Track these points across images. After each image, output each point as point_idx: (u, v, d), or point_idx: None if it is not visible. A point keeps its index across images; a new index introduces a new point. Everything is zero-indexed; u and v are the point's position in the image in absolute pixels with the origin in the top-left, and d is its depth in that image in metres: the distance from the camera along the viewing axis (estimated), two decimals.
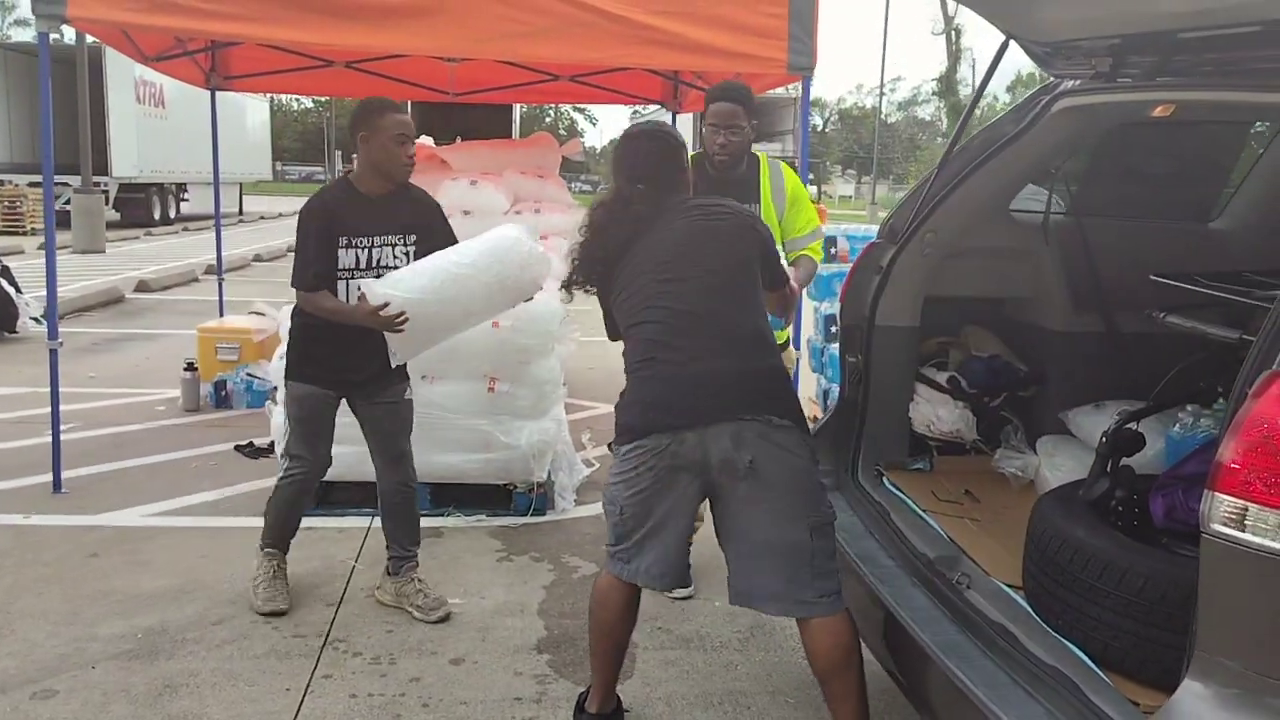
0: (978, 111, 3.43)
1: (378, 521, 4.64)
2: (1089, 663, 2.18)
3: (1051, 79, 3.16)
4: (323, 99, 60.49)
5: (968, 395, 3.39)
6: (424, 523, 4.59)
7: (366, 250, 3.59)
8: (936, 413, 3.35)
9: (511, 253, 3.57)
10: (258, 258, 17.63)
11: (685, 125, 23.96)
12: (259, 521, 4.68)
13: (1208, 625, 1.76)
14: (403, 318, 3.41)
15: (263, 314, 4.65)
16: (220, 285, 8.44)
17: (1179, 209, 3.61)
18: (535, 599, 4.00)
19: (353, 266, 3.58)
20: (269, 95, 33.58)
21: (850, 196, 55.65)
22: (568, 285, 2.99)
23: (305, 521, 4.68)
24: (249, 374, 6.82)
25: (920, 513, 2.97)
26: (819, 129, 57.56)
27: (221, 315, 8.06)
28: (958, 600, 2.56)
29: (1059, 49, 3.04)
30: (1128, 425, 2.58)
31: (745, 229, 2.86)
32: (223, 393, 6.78)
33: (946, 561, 2.73)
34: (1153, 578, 2.14)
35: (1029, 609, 2.43)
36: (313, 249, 3.54)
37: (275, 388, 5.00)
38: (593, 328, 7.23)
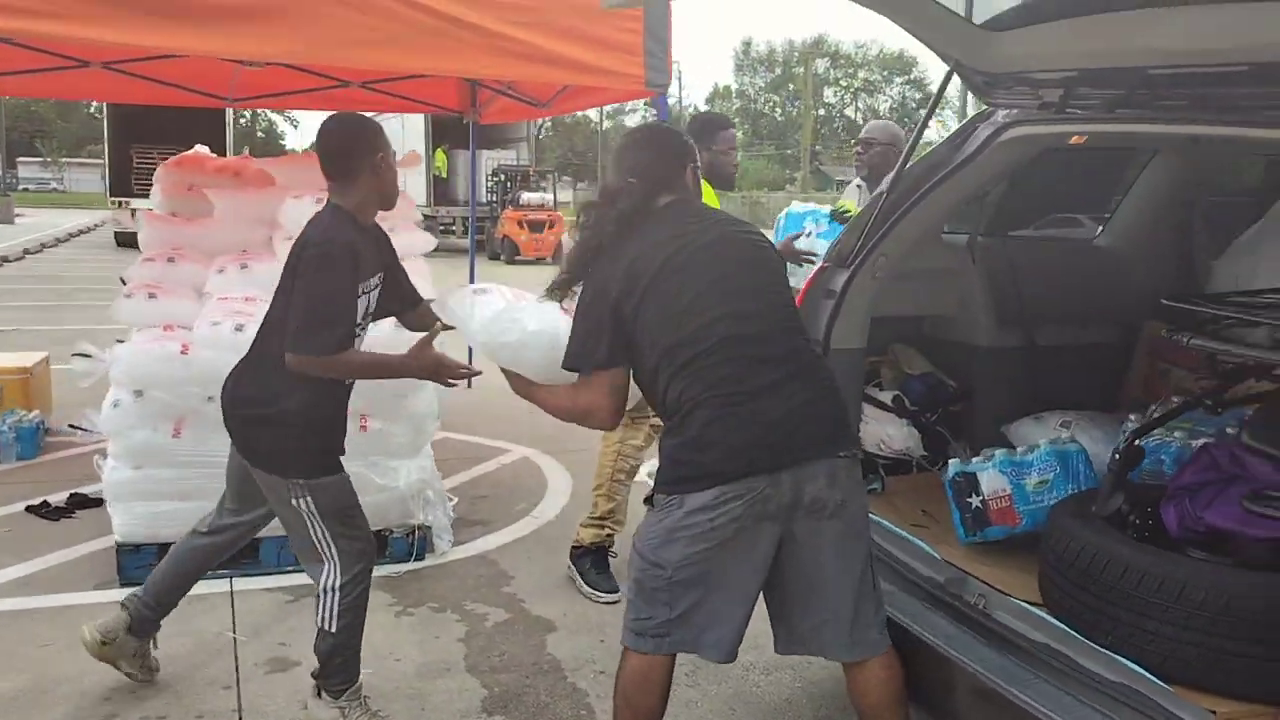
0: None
1: (238, 583, 4.20)
2: (1153, 678, 2.26)
3: (985, 107, 3.29)
4: None
5: (910, 413, 3.47)
6: (296, 581, 4.21)
7: (367, 296, 3.04)
8: (886, 431, 3.41)
9: None
10: None
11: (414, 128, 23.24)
12: (93, 597, 4.07)
13: None
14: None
15: (89, 355, 4.00)
16: None
17: (1073, 228, 3.89)
18: (457, 655, 3.71)
19: (361, 318, 3.02)
20: None
21: (569, 203, 56.50)
22: (558, 288, 2.67)
23: None
24: (73, 425, 6.00)
25: (905, 535, 3.00)
26: (535, 136, 57.94)
27: None
28: (987, 623, 2.60)
29: (1000, 79, 3.17)
30: (1136, 441, 2.71)
31: (769, 246, 2.74)
32: None
33: (956, 583, 2.77)
34: (1214, 589, 2.25)
35: (1065, 627, 2.49)
36: (344, 300, 2.89)
37: (101, 439, 4.35)
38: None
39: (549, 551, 4.68)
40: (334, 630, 3.00)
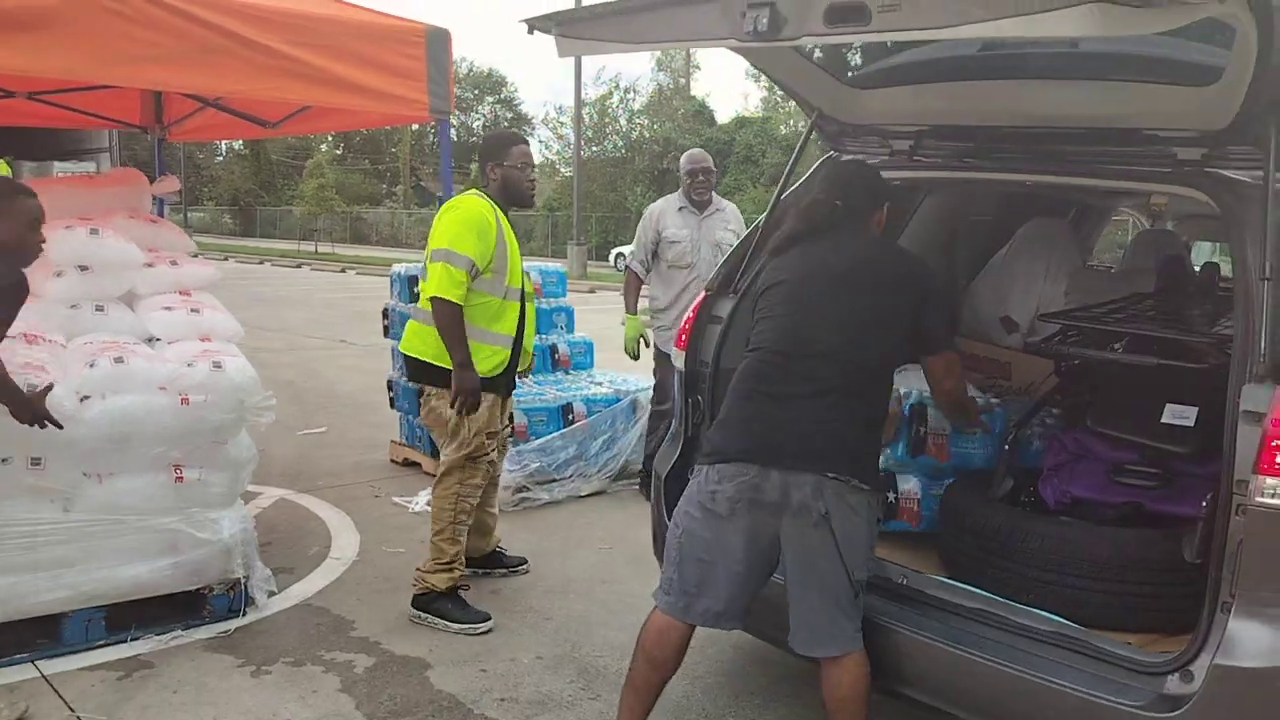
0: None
1: (46, 666, 3.73)
2: (1073, 625, 2.79)
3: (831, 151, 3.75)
4: None
5: None
6: (116, 654, 3.85)
7: None
8: None
9: None
10: None
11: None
12: None
13: (1249, 571, 2.44)
14: None
15: None
16: None
17: None
18: (346, 705, 3.54)
19: None
20: None
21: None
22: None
23: None
24: None
25: None
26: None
27: None
28: (921, 598, 3.02)
29: (852, 130, 3.64)
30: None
31: (909, 279, 2.94)
32: None
33: (877, 567, 3.17)
34: (1125, 549, 2.83)
35: (984, 593, 2.96)
36: None
37: None
38: None
39: (374, 591, 4.54)
40: None
